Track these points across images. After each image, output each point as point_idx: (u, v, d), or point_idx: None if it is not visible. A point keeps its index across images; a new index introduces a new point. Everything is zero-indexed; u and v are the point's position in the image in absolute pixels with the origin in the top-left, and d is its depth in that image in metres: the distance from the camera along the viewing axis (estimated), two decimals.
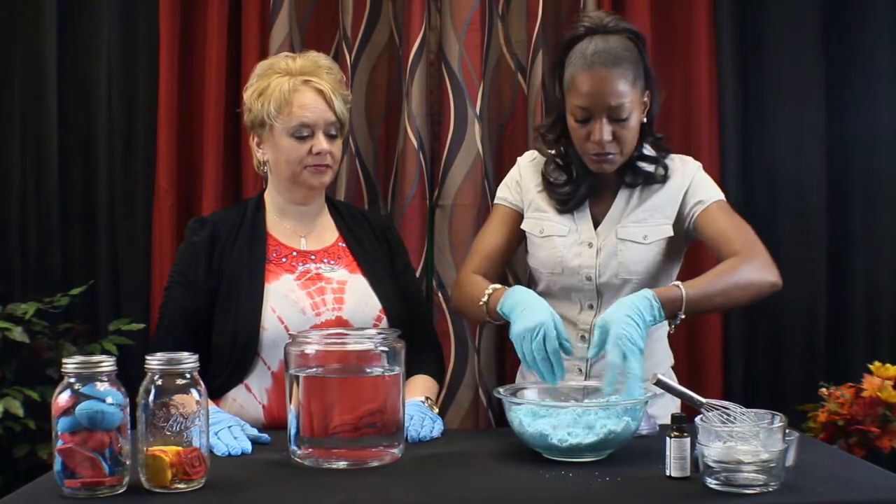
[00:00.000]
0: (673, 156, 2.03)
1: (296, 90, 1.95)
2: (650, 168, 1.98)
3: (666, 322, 1.77)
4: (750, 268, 1.83)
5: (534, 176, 2.06)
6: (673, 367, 2.07)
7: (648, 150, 2.00)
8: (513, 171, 2.10)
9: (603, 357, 1.69)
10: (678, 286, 1.76)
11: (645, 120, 1.95)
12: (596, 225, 1.99)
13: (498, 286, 1.88)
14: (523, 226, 2.05)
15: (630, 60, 1.89)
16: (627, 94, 1.87)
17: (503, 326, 1.88)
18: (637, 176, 1.99)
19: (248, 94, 2.00)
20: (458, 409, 2.63)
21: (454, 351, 2.61)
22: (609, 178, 1.99)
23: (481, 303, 1.88)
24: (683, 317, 1.76)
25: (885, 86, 2.75)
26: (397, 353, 1.66)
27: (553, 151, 2.02)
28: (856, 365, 2.52)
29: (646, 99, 1.94)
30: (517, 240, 2.08)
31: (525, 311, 1.75)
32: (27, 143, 2.75)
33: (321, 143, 1.95)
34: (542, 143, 2.05)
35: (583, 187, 1.99)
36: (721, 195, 1.99)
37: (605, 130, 1.88)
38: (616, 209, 1.99)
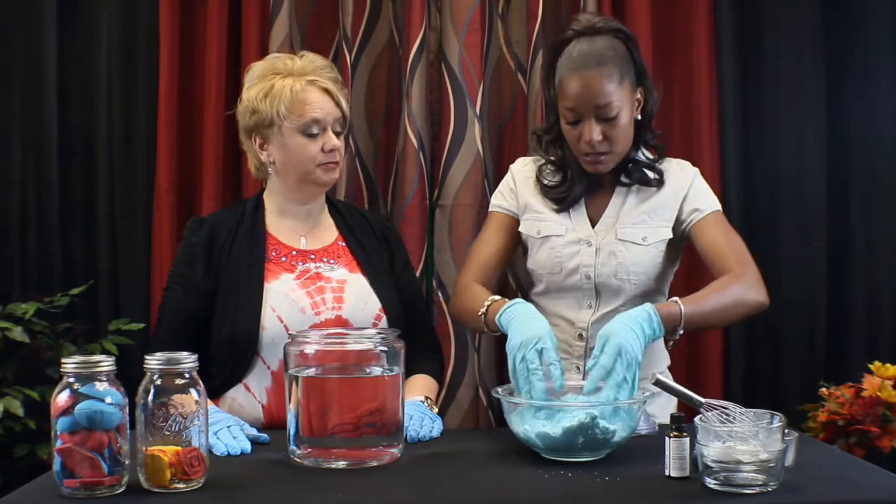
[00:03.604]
0: (671, 160, 2.04)
1: (305, 90, 1.96)
2: (646, 171, 1.99)
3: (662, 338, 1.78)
4: (742, 287, 1.86)
5: (527, 181, 2.07)
6: (669, 368, 2.07)
7: (643, 156, 2.00)
8: (506, 178, 2.12)
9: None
10: (677, 302, 1.78)
11: (640, 117, 1.96)
12: (593, 224, 2.00)
13: (497, 298, 1.88)
14: (521, 228, 2.05)
15: (615, 59, 1.89)
16: (614, 92, 1.88)
17: None
18: (632, 176, 1.99)
19: (253, 95, 1.98)
20: (458, 409, 2.62)
21: (454, 351, 2.61)
22: (605, 178, 2.01)
23: (479, 314, 1.88)
24: (682, 332, 1.78)
25: (885, 86, 2.75)
26: (397, 353, 1.66)
27: (552, 156, 2.04)
28: (856, 365, 2.52)
29: (639, 96, 1.95)
30: (513, 246, 2.09)
31: (522, 323, 1.74)
32: (27, 143, 2.75)
33: (332, 139, 1.96)
34: (540, 147, 2.06)
35: (577, 187, 2.00)
36: (718, 205, 2.00)
37: (594, 131, 1.90)
38: (612, 208, 2.00)
